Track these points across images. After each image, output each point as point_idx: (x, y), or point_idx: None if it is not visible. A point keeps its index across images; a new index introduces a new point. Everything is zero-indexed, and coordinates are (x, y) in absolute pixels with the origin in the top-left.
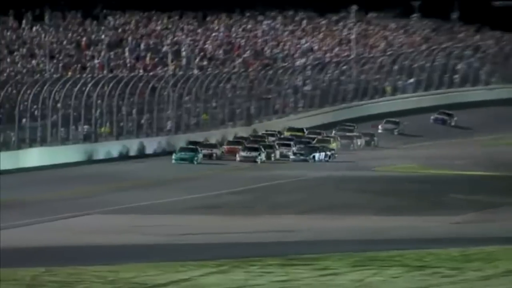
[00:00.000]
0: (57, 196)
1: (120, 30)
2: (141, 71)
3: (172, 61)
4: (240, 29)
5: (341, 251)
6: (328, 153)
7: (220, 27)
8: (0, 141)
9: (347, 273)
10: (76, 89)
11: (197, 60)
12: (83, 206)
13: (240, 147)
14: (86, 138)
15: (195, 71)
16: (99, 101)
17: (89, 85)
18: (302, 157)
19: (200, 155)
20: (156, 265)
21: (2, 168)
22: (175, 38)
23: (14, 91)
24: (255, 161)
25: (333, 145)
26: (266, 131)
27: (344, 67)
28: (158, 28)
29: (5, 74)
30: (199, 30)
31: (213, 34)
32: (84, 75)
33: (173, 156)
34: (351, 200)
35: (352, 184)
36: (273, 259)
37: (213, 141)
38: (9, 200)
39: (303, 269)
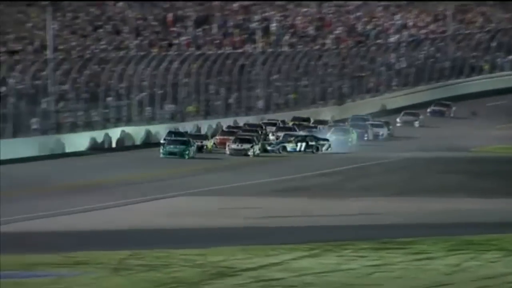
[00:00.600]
0: (144, 177)
1: (207, 5)
2: (229, 48)
3: (261, 38)
4: (332, 4)
5: (436, 235)
6: (313, 143)
7: (310, 3)
8: (83, 121)
9: (443, 257)
10: (162, 66)
11: (287, 36)
12: (170, 187)
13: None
14: (173, 118)
15: (285, 48)
16: (186, 80)
17: (176, 62)
18: (270, 148)
19: (193, 148)
20: (246, 249)
21: (85, 148)
22: (264, 14)
23: (99, 69)
24: (247, 155)
25: (353, 135)
26: (269, 120)
27: (440, 44)
28: (247, 3)
29: (88, 52)
30: (289, 6)
31: (304, 9)
32: (171, 52)
33: (161, 150)
34: (446, 182)
35: (448, 165)
36: (366, 243)
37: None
38: (94, 182)
39: (397, 253)
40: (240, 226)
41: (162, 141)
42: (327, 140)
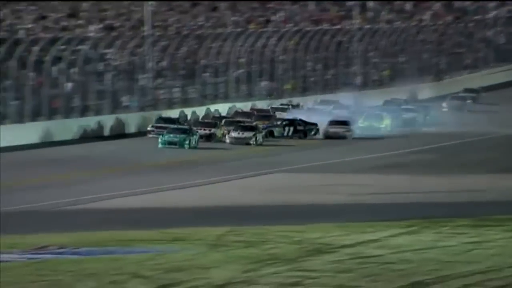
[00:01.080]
0: (241, 154)
1: None
2: (326, 24)
3: (358, 14)
4: None
5: None
6: (301, 128)
7: None
8: (180, 97)
9: None
10: (259, 43)
11: (384, 13)
12: (269, 164)
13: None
14: (270, 94)
15: (382, 25)
16: (282, 56)
17: (273, 39)
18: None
19: (195, 137)
20: (343, 226)
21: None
22: None
23: (196, 46)
24: (249, 143)
25: (386, 121)
26: (281, 104)
27: None
28: None
29: (185, 28)
30: None
31: None
32: (268, 28)
33: (159, 139)
34: None
35: None
36: (464, 220)
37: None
38: (191, 159)
39: (495, 230)
40: (338, 203)
41: (149, 128)
42: (315, 124)
